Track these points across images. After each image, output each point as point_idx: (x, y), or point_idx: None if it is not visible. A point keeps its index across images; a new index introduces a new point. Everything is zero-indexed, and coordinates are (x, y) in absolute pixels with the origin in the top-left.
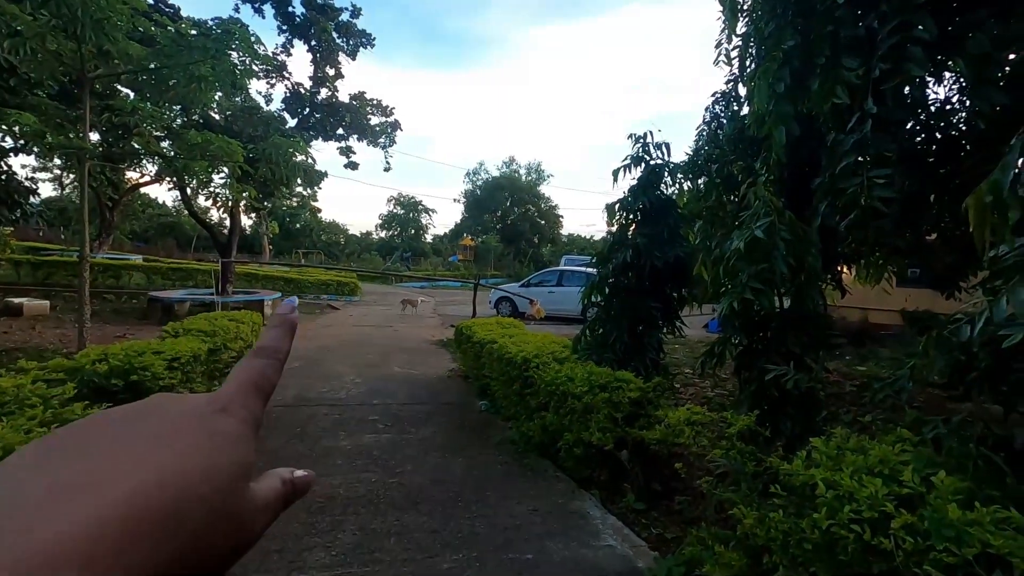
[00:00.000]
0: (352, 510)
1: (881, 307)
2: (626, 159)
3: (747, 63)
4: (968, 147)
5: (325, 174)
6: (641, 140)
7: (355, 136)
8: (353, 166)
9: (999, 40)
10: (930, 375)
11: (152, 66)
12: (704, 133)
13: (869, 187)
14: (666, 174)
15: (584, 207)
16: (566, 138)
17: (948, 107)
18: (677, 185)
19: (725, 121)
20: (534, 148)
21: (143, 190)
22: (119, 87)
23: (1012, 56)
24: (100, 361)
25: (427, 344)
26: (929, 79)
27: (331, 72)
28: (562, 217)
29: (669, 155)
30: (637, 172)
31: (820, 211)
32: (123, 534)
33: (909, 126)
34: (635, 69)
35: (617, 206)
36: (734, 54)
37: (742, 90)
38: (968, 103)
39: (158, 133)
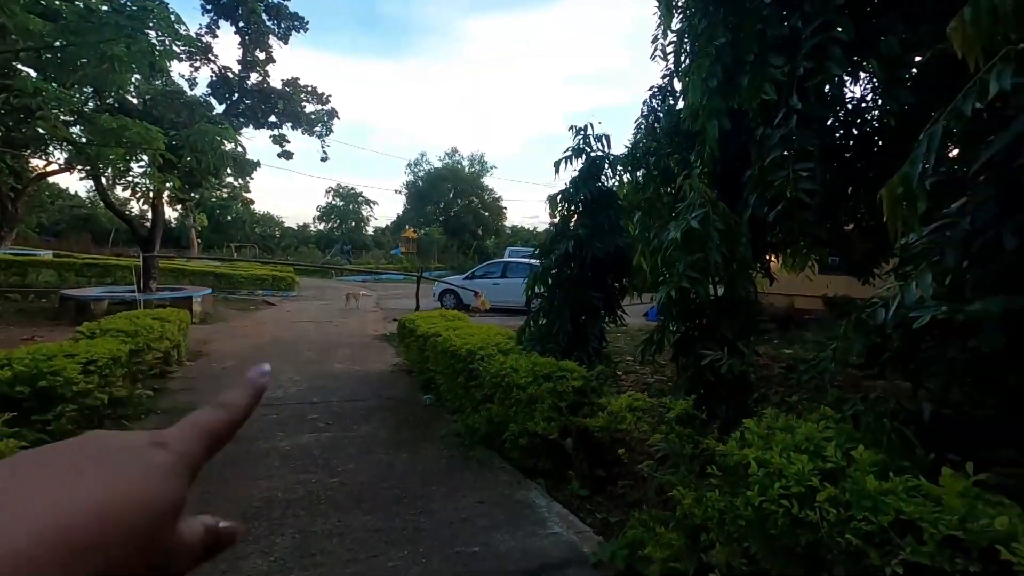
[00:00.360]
0: (291, 512)
1: (805, 293)
2: (567, 151)
3: (682, 58)
4: (881, 143)
5: (257, 164)
6: (582, 132)
7: (289, 124)
8: (287, 155)
9: (908, 43)
10: (850, 356)
11: (57, 43)
12: (642, 126)
13: (794, 180)
14: (606, 166)
15: (527, 199)
16: (508, 129)
17: (863, 105)
18: (617, 177)
19: (662, 115)
20: (477, 139)
21: (51, 179)
22: (19, 66)
23: (919, 59)
24: (2, 367)
25: (369, 339)
26: (847, 78)
27: (261, 56)
28: (505, 209)
29: (609, 147)
30: (578, 164)
31: (751, 202)
32: (32, 565)
33: (829, 122)
34: (575, 61)
35: (559, 197)
36: (670, 49)
37: (678, 85)
38: (881, 101)
39: (66, 117)
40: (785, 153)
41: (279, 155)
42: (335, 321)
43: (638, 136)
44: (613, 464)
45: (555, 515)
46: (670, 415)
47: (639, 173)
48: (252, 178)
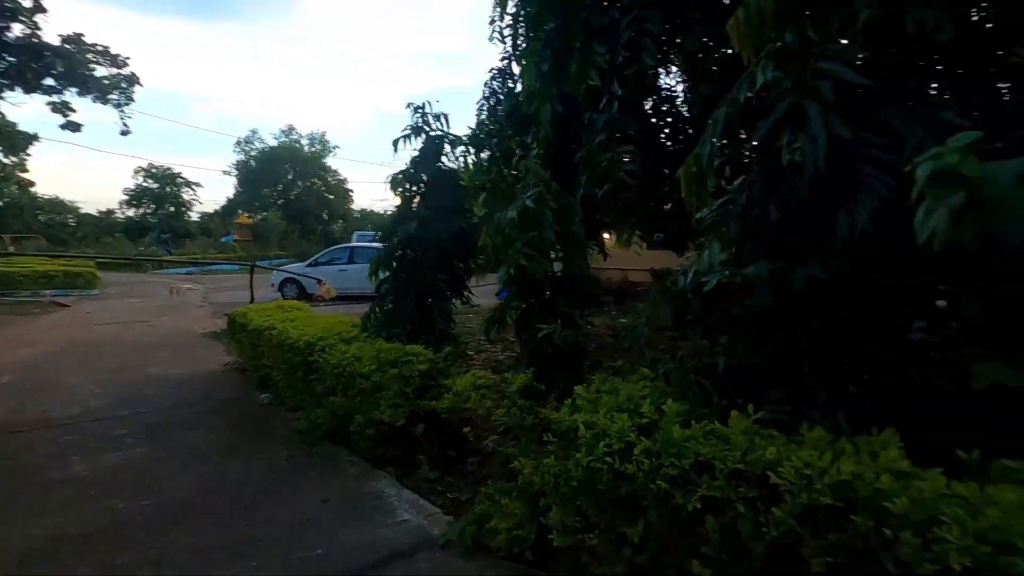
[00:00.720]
0: (88, 548)
1: (637, 267)
2: (406, 129)
3: (519, 41)
4: (690, 129)
5: (34, 137)
6: (420, 110)
7: (74, 89)
8: (74, 127)
9: (710, 38)
10: (660, 321)
11: None
12: (484, 108)
13: (617, 161)
14: (447, 146)
15: (376, 180)
16: (351, 108)
17: (673, 94)
18: (462, 158)
19: (503, 97)
20: (316, 117)
21: None
22: None
23: (716, 55)
24: None
25: (195, 337)
26: (661, 69)
27: (26, 3)
28: (352, 191)
29: (448, 126)
30: (419, 143)
31: (582, 183)
32: None
33: (650, 109)
34: (419, 39)
35: (400, 177)
36: (507, 32)
37: (517, 68)
38: (687, 91)
39: None
40: (610, 136)
41: (63, 127)
42: (152, 320)
43: (481, 117)
44: (463, 443)
45: (405, 502)
46: (511, 389)
47: (483, 154)
48: (28, 154)
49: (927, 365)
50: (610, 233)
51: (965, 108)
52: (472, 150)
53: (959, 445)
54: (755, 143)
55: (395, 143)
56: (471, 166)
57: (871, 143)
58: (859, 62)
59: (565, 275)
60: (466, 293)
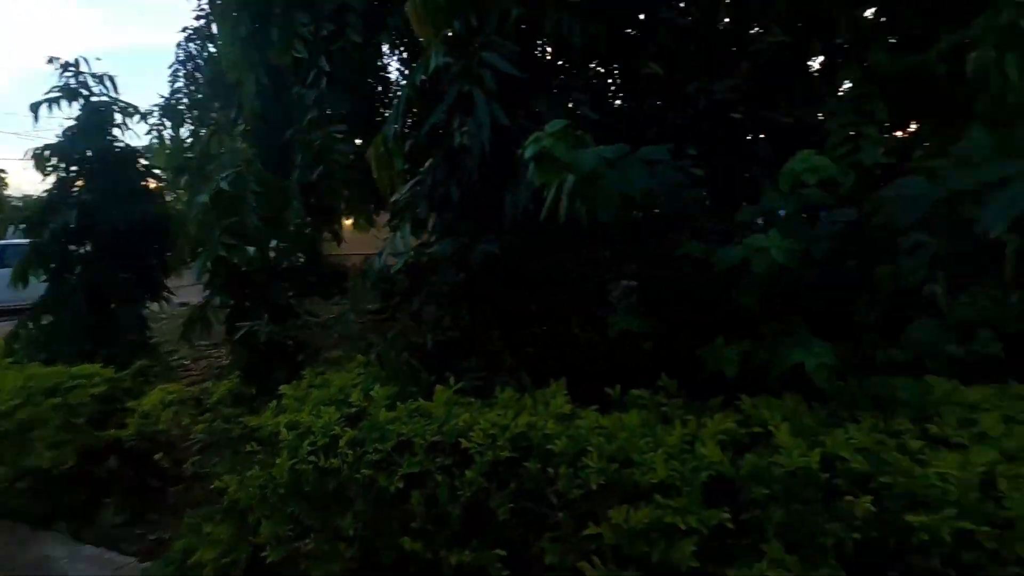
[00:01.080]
0: None
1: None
2: (52, 90)
3: None
4: (415, 110)
5: None
6: (73, 68)
7: None
8: None
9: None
10: (364, 305)
11: None
12: (180, 73)
13: (331, 142)
14: (118, 116)
15: None
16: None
17: (389, 74)
18: (155, 132)
19: (202, 62)
20: None
21: None
22: None
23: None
24: None
25: None
26: (385, 48)
27: None
28: (5, 173)
29: (116, 91)
30: (76, 111)
31: (297, 163)
32: None
33: (374, 89)
34: None
35: (48, 153)
36: None
37: (217, 28)
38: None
39: None
40: (322, 114)
41: None
42: None
43: (176, 84)
44: (167, 470)
45: (83, 560)
46: (213, 399)
47: (183, 128)
48: None
49: (584, 323)
50: (348, 217)
51: (621, 108)
52: (168, 123)
53: (610, 383)
54: (430, 126)
55: (34, 108)
56: (168, 142)
57: (527, 129)
58: (518, 55)
59: (281, 264)
60: (166, 293)
